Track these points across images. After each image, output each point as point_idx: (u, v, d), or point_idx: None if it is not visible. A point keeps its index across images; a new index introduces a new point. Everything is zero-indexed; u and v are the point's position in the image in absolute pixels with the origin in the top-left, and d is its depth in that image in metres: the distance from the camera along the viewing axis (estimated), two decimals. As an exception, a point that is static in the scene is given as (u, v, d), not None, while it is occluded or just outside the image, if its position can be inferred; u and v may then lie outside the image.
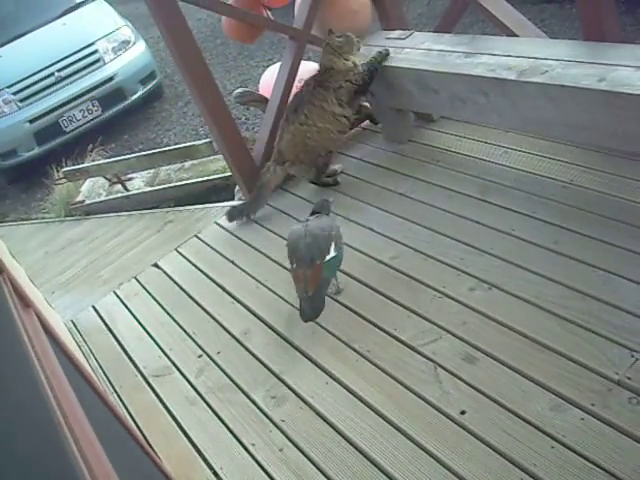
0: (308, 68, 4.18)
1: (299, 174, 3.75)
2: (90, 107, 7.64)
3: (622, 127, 2.63)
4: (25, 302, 1.75)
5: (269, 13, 4.05)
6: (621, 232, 2.72)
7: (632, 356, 2.22)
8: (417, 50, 3.47)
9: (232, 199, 4.16)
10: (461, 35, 3.60)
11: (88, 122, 7.65)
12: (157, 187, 5.46)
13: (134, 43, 8.10)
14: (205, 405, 2.74)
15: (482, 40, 3.36)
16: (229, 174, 4.19)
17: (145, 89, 8.02)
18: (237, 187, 4.07)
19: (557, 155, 3.26)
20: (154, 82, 8.14)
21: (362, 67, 3.53)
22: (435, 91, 3.29)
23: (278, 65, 4.09)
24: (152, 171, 5.79)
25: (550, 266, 2.68)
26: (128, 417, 2.82)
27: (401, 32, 3.77)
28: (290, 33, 3.92)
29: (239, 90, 4.36)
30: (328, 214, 3.06)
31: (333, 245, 2.83)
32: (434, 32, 3.74)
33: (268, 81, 4.19)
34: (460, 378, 2.38)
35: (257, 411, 2.60)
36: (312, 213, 3.05)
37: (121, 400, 2.95)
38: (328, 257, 2.80)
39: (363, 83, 3.55)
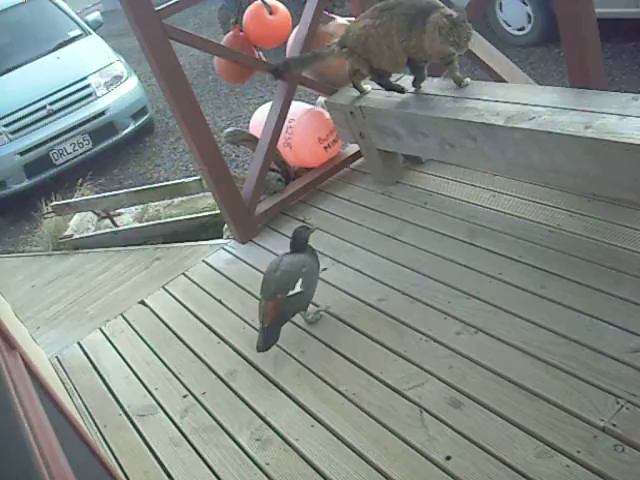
0: (298, 108, 4.23)
1: (355, 65, 3.56)
2: (81, 141, 7.67)
3: (607, 174, 2.66)
4: (10, 344, 1.74)
5: (261, 54, 4.09)
6: (607, 277, 2.73)
7: (617, 402, 2.22)
8: (411, 93, 3.50)
9: (220, 237, 4.17)
10: (449, 80, 3.64)
11: (79, 156, 7.66)
12: (146, 223, 5.46)
13: (126, 78, 8.15)
14: (189, 446, 2.72)
15: (471, 85, 3.40)
16: (218, 212, 4.19)
17: (136, 124, 8.06)
18: (226, 225, 4.08)
19: (544, 200, 3.28)
20: (145, 117, 8.19)
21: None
22: (424, 134, 3.33)
23: (269, 105, 4.12)
24: (141, 207, 5.80)
25: (536, 311, 2.69)
26: (111, 457, 2.80)
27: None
28: (281, 75, 3.95)
29: (229, 129, 4.38)
30: (305, 242, 3.05)
31: (300, 281, 2.88)
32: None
33: (259, 121, 4.21)
34: (445, 423, 2.38)
35: (242, 453, 2.59)
36: (292, 243, 3.07)
37: (104, 439, 2.93)
38: (291, 292, 2.86)
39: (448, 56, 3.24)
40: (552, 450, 2.16)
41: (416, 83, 3.45)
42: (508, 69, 3.53)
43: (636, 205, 2.92)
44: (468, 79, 3.29)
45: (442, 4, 3.16)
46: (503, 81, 3.42)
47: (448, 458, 2.25)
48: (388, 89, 3.53)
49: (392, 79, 3.53)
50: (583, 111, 2.78)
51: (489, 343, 2.63)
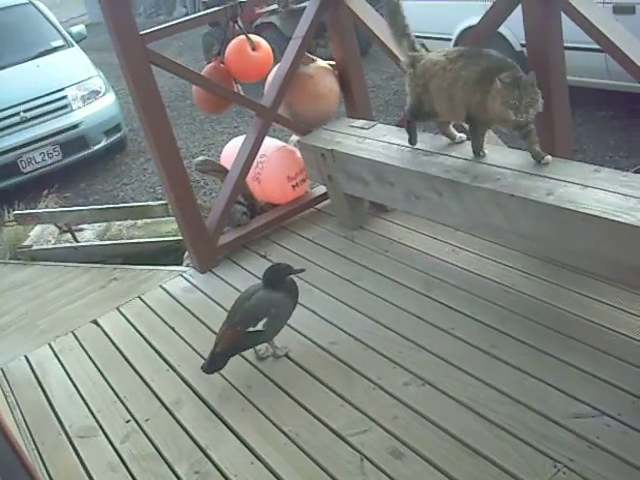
0: (271, 145, 4.27)
1: (409, 94, 3.30)
2: (51, 151, 7.62)
3: (564, 241, 2.72)
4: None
5: (239, 87, 4.13)
6: (555, 341, 2.78)
7: (555, 466, 2.25)
8: (378, 142, 3.56)
9: (181, 264, 4.17)
10: (421, 133, 3.70)
11: (47, 166, 7.61)
12: (107, 242, 5.43)
13: (104, 94, 8.15)
14: (127, 473, 2.69)
15: (441, 140, 3.45)
16: (181, 238, 4.19)
17: (109, 140, 8.04)
18: (187, 253, 4.08)
19: (503, 259, 3.34)
20: (119, 135, 8.17)
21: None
22: (391, 184, 3.38)
23: (242, 138, 4.16)
24: (104, 224, 5.76)
25: (485, 369, 2.72)
26: (46, 477, 2.75)
27: (365, 122, 3.88)
28: (257, 110, 4.00)
29: (200, 158, 4.40)
30: (282, 280, 3.00)
31: (264, 321, 2.89)
32: (396, 126, 3.84)
33: (230, 153, 4.25)
34: (385, 472, 2.38)
35: (179, 485, 2.57)
36: (268, 279, 3.02)
37: (41, 458, 2.88)
38: (252, 329, 2.88)
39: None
40: (488, 509, 2.18)
41: (473, 148, 3.14)
42: (479, 128, 3.59)
43: (589, 273, 2.98)
44: (549, 157, 2.92)
45: (517, 66, 2.88)
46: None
47: (385, 508, 2.26)
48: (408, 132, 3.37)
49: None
50: (547, 178, 2.85)
51: (435, 396, 2.65)
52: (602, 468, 2.21)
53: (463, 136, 3.26)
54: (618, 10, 5.76)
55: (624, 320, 2.81)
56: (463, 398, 2.61)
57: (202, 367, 2.92)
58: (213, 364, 2.92)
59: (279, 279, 3.00)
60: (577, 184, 2.73)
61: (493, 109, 2.86)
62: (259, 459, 2.58)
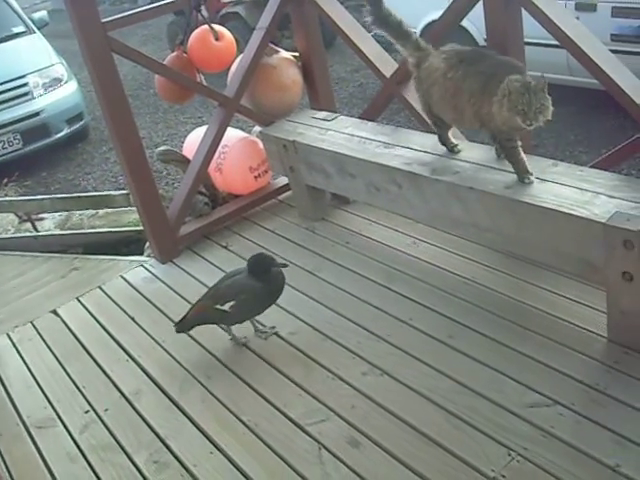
0: (233, 135, 4.26)
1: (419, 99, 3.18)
2: (11, 139, 7.53)
3: (522, 234, 2.77)
4: None
5: (202, 77, 4.12)
6: (512, 333, 2.83)
7: (509, 455, 2.29)
8: (340, 134, 3.59)
9: (141, 254, 4.15)
10: (383, 125, 3.74)
11: (7, 154, 7.52)
12: (67, 231, 5.37)
13: (66, 81, 8.06)
14: (85, 463, 2.68)
15: (402, 133, 3.50)
16: (142, 228, 4.17)
17: (70, 129, 7.96)
18: (147, 243, 4.06)
19: (462, 251, 3.38)
20: (81, 123, 8.09)
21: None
22: (352, 176, 3.40)
23: (204, 128, 4.14)
24: (65, 214, 5.71)
25: (443, 359, 2.76)
26: (3, 468, 2.73)
27: (327, 114, 3.90)
28: (220, 100, 3.99)
29: (162, 148, 4.39)
30: (264, 270, 2.97)
31: (231, 304, 2.94)
32: (359, 118, 3.86)
33: (192, 143, 4.23)
34: (342, 461, 2.41)
35: (138, 475, 2.56)
36: (253, 265, 3.01)
37: (-2, 448, 2.86)
38: (218, 307, 2.97)
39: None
40: (443, 497, 2.21)
41: (498, 153, 2.98)
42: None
43: (547, 266, 3.03)
44: (533, 178, 2.77)
45: (524, 68, 2.75)
46: (434, 132, 3.51)
47: (342, 496, 2.28)
48: (441, 143, 3.16)
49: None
50: (505, 171, 2.89)
51: (394, 387, 2.68)
52: (555, 456, 2.26)
53: (532, 178, 2.79)
54: (580, 7, 5.85)
55: (580, 312, 2.87)
56: (421, 388, 2.64)
57: (174, 324, 3.08)
58: (181, 326, 3.06)
59: (262, 269, 2.99)
60: (535, 178, 2.77)
61: (500, 115, 2.66)
62: (218, 449, 2.58)
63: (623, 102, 2.71)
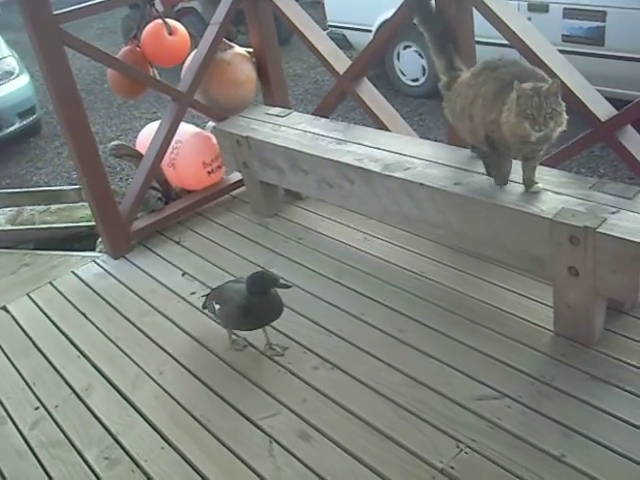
0: (187, 130, 4.25)
1: None
2: (-39, 133, 7.39)
3: (471, 230, 2.81)
4: None
5: (155, 72, 4.10)
6: (461, 327, 2.88)
7: (457, 446, 2.33)
8: (293, 130, 3.60)
9: (94, 250, 4.12)
10: (336, 122, 3.76)
11: (-43, 148, 7.38)
12: (18, 227, 5.28)
13: (18, 75, 7.90)
14: (35, 460, 2.65)
15: (355, 129, 3.53)
16: (94, 224, 4.13)
17: (22, 123, 7.79)
18: (100, 239, 4.03)
19: (413, 247, 3.43)
20: (33, 117, 7.93)
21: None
22: (305, 172, 3.42)
23: (158, 123, 4.12)
24: (16, 209, 5.61)
25: (393, 353, 2.79)
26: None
27: (281, 109, 3.91)
28: (173, 95, 3.97)
29: (114, 143, 4.35)
30: (263, 289, 2.76)
31: (218, 306, 2.89)
32: (312, 114, 3.88)
33: (146, 138, 4.20)
34: (294, 455, 2.43)
35: (88, 471, 2.54)
36: (252, 282, 2.78)
37: (-53, 446, 2.82)
38: (213, 302, 2.93)
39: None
40: (392, 488, 2.24)
41: (494, 177, 2.76)
42: (392, 118, 3.67)
43: (495, 261, 3.08)
44: (540, 185, 2.65)
45: (546, 77, 2.49)
46: (386, 129, 3.56)
47: (292, 489, 2.30)
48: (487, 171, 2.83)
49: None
50: (456, 168, 2.94)
51: (344, 380, 2.71)
52: (502, 447, 2.31)
53: (539, 186, 2.67)
54: (532, 8, 5.95)
55: (527, 306, 2.93)
56: (371, 382, 2.67)
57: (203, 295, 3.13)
58: (205, 303, 3.08)
59: (259, 288, 2.76)
60: (484, 174, 2.82)
61: (507, 122, 2.46)
62: (170, 444, 2.58)
63: (571, 101, 2.76)
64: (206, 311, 3.11)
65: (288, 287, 2.80)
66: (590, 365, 2.58)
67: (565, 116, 2.43)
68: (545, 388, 2.52)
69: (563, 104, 2.42)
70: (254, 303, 2.75)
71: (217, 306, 2.90)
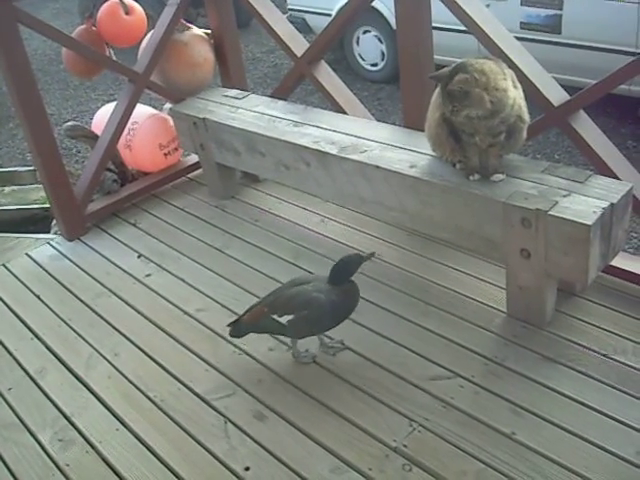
0: (143, 112, 4.21)
1: None
2: None
3: (426, 212, 2.84)
4: None
5: (111, 52, 4.05)
6: (416, 308, 2.91)
7: (410, 425, 2.37)
8: (250, 112, 3.59)
9: (48, 232, 4.07)
10: (294, 104, 3.76)
11: None
12: (-29, 209, 5.23)
13: (-31, 55, 7.76)
14: (-13, 443, 2.63)
15: (312, 112, 3.53)
16: (49, 206, 4.09)
17: (-25, 105, 7.69)
18: (54, 221, 3.99)
19: (369, 229, 3.45)
20: (-15, 99, 7.83)
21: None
22: (262, 154, 3.41)
23: (114, 104, 4.08)
24: (-32, 191, 5.54)
25: (347, 334, 2.79)
26: None
27: (238, 92, 3.90)
28: (129, 75, 3.93)
29: (69, 123, 4.30)
30: (348, 277, 2.62)
31: (290, 317, 2.57)
32: (270, 97, 3.87)
33: (102, 119, 4.16)
34: (248, 434, 2.44)
35: (42, 453, 2.52)
36: (333, 272, 2.62)
37: None
38: (275, 316, 2.59)
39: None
40: (346, 466, 2.26)
41: (463, 169, 2.77)
42: (350, 101, 3.67)
43: (450, 244, 3.12)
44: (501, 176, 2.69)
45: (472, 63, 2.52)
46: (344, 112, 3.56)
47: (247, 469, 2.30)
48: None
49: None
50: (411, 150, 2.96)
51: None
52: (454, 425, 2.35)
53: (501, 176, 2.70)
54: (493, -5, 6.01)
55: (481, 288, 2.98)
56: (325, 362, 2.69)
57: (228, 325, 2.73)
58: (235, 329, 2.72)
59: (349, 274, 2.61)
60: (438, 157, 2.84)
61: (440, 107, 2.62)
62: (124, 425, 2.57)
63: (525, 87, 2.79)
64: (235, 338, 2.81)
65: (373, 255, 2.70)
66: (541, 346, 2.63)
67: (485, 97, 2.45)
68: (497, 368, 2.57)
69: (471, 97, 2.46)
70: (343, 294, 2.59)
71: (286, 318, 2.57)
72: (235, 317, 2.74)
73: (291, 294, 2.61)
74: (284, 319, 2.58)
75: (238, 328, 2.71)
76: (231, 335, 2.75)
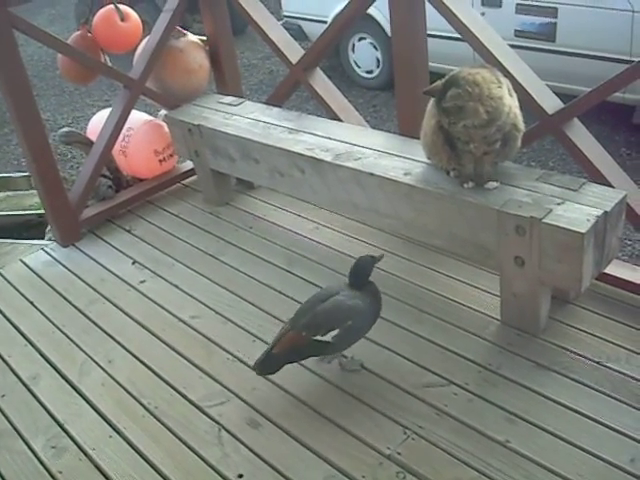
0: (139, 118, 4.21)
1: None
2: None
3: (420, 220, 2.84)
4: None
5: (107, 58, 4.06)
6: (410, 316, 2.91)
7: (404, 433, 2.36)
8: (245, 119, 3.60)
9: (43, 238, 4.06)
10: (289, 111, 3.76)
11: None
12: (-35, 215, 5.22)
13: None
14: (-20, 450, 2.62)
15: (307, 119, 3.54)
16: (43, 211, 4.08)
17: (-30, 110, 7.67)
18: (49, 227, 3.98)
19: (363, 236, 3.46)
20: (-19, 104, 7.81)
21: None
22: (256, 161, 3.42)
23: (109, 110, 4.08)
24: (-37, 197, 5.53)
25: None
26: None
27: (234, 98, 3.90)
28: (125, 82, 3.93)
29: (64, 129, 4.30)
30: (368, 277, 2.60)
31: (335, 332, 2.46)
32: (265, 103, 3.88)
33: (96, 125, 4.16)
34: (242, 442, 2.43)
35: (35, 460, 2.51)
36: (353, 275, 2.61)
37: None
38: (319, 338, 2.46)
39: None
40: (340, 474, 2.25)
41: (457, 176, 2.76)
42: (345, 108, 3.68)
43: (444, 250, 3.12)
44: (495, 184, 2.68)
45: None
46: (339, 119, 3.57)
47: (240, 476, 2.30)
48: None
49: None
50: (405, 158, 2.97)
51: (294, 369, 2.64)
52: (448, 433, 2.34)
53: (494, 184, 2.70)
54: (486, 3, 6.04)
55: (475, 296, 2.97)
56: (320, 370, 2.68)
57: (254, 365, 2.54)
58: (266, 366, 2.52)
59: (367, 275, 2.58)
60: (433, 165, 2.85)
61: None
62: (117, 432, 2.57)
63: (520, 95, 2.79)
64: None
65: (382, 256, 2.66)
66: (535, 353, 2.63)
67: (480, 109, 2.45)
68: (491, 376, 2.56)
69: (459, 93, 2.45)
70: (374, 299, 2.57)
71: (331, 334, 2.45)
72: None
73: (327, 309, 2.49)
74: (328, 337, 2.46)
75: (270, 364, 2.52)
76: (263, 374, 2.57)
